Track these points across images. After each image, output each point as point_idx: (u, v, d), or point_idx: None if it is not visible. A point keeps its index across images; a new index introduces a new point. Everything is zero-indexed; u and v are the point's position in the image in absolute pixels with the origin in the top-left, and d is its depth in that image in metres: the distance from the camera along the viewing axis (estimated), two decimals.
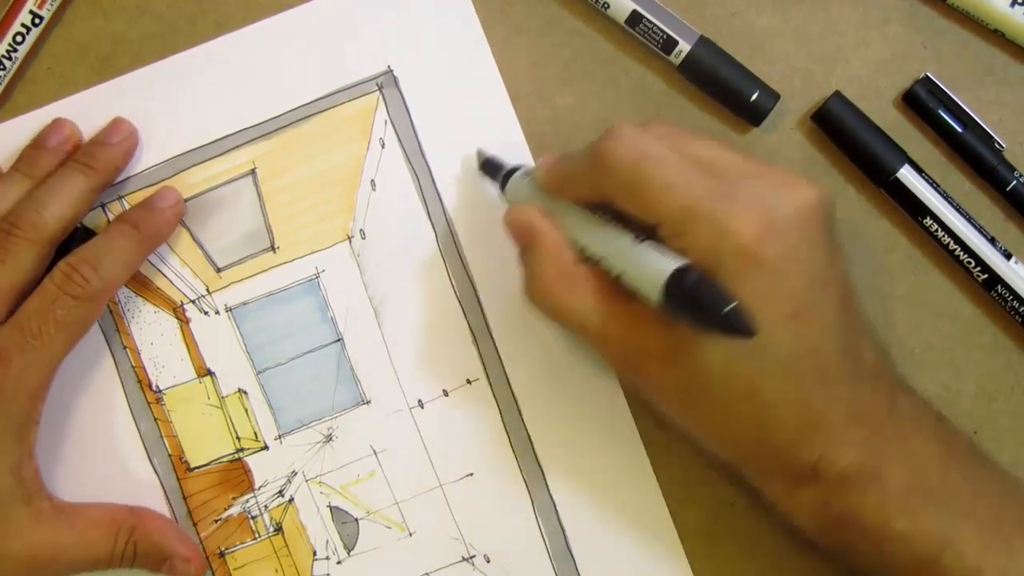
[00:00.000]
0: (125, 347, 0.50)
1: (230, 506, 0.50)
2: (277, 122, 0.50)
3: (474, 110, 0.49)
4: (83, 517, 0.48)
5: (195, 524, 0.50)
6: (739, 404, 0.40)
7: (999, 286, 0.48)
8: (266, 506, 0.50)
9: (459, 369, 0.50)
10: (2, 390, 0.45)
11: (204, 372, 0.50)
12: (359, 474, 0.50)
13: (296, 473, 0.50)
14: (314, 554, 0.50)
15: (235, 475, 0.50)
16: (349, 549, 0.50)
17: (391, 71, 0.50)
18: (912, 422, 0.42)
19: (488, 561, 0.50)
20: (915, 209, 0.48)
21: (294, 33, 0.49)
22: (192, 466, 0.50)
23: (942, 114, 0.48)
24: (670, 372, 0.41)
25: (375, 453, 0.50)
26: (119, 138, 0.49)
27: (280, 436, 0.50)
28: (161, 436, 0.50)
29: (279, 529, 0.50)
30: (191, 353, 0.50)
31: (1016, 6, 0.47)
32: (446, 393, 0.50)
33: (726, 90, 0.48)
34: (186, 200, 0.50)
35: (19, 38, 0.49)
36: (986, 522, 0.41)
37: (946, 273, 0.49)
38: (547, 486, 0.49)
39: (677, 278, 0.37)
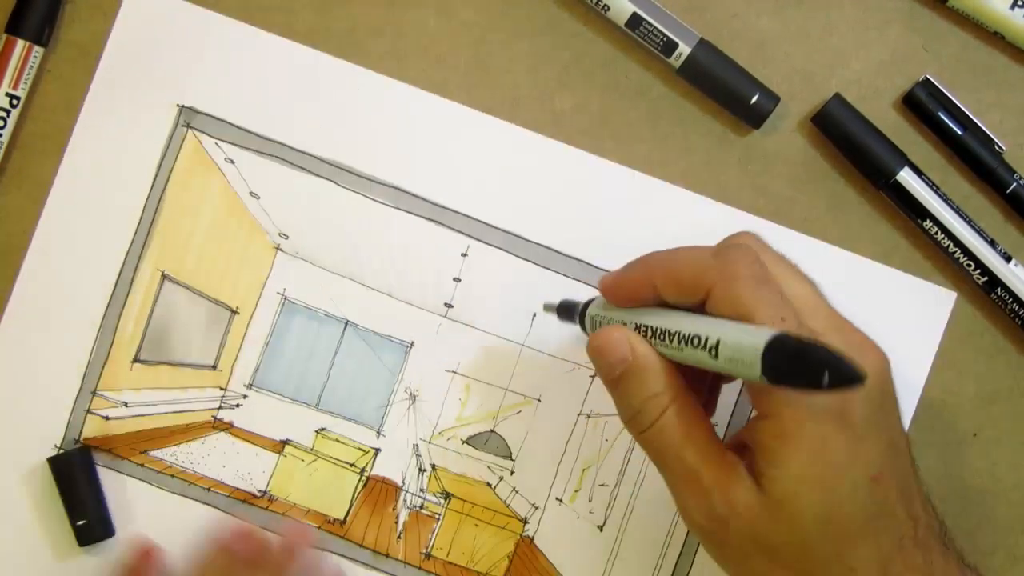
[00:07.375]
0: (208, 488, 0.50)
1: (397, 516, 0.50)
2: (144, 222, 0.50)
3: (271, 68, 0.50)
4: None
5: (387, 555, 0.50)
6: (824, 568, 0.39)
7: (999, 288, 0.48)
8: (421, 488, 0.50)
9: (451, 251, 0.50)
10: None
11: (280, 447, 0.50)
12: (460, 398, 0.50)
13: (417, 444, 0.50)
14: (489, 485, 0.50)
15: (377, 490, 0.50)
16: (511, 456, 0.50)
17: (182, 106, 0.50)
18: None
19: None
20: (915, 211, 0.48)
21: (100, 141, 0.50)
22: (342, 519, 0.50)
23: (942, 116, 0.48)
24: (761, 530, 0.39)
25: (456, 373, 0.50)
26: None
27: (378, 432, 0.50)
28: (300, 522, 0.50)
29: (448, 495, 0.50)
30: (256, 442, 0.50)
31: (1016, 8, 0.47)
32: (457, 280, 0.50)
33: (726, 92, 0.48)
34: (138, 346, 0.50)
35: (0, 123, 0.48)
36: None
37: (946, 275, 0.49)
38: None
39: (776, 344, 0.35)
